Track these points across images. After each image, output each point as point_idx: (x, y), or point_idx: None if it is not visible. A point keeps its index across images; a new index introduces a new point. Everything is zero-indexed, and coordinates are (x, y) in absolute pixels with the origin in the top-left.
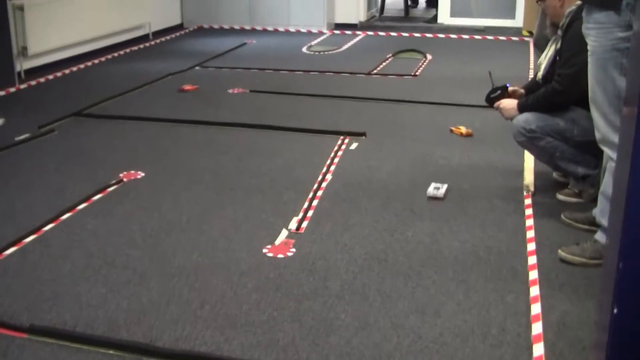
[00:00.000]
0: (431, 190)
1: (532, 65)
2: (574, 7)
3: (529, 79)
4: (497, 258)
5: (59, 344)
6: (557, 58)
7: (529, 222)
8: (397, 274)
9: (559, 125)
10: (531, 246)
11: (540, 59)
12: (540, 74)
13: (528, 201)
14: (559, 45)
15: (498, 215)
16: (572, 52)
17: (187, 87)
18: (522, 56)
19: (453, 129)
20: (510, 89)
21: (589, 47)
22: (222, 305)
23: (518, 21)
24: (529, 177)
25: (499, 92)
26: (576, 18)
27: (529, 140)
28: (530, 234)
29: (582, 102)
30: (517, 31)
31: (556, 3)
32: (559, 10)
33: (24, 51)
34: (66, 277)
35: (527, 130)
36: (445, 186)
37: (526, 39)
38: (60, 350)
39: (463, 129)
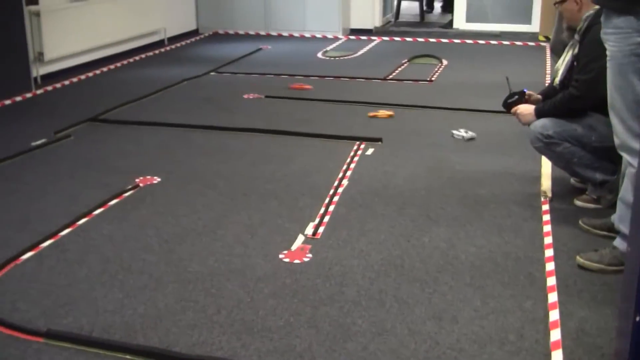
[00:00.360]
0: (459, 132)
1: (548, 71)
2: (591, 12)
3: (546, 85)
4: (515, 264)
5: (75, 348)
6: (575, 63)
7: (547, 228)
8: (413, 280)
9: (577, 131)
10: (549, 252)
11: (557, 64)
12: (557, 80)
13: (545, 207)
14: (576, 50)
15: (515, 221)
16: (590, 57)
17: (297, 85)
18: (538, 61)
19: (371, 114)
20: (527, 94)
21: (607, 53)
22: (239, 311)
23: (534, 26)
24: (546, 183)
25: (516, 97)
26: (594, 23)
27: (547, 145)
28: (548, 240)
29: (600, 107)
30: (533, 36)
31: (574, 7)
32: (576, 15)
33: (40, 57)
34: (83, 282)
35: (544, 135)
36: (472, 133)
37: (542, 44)
38: (77, 355)
39: (382, 112)
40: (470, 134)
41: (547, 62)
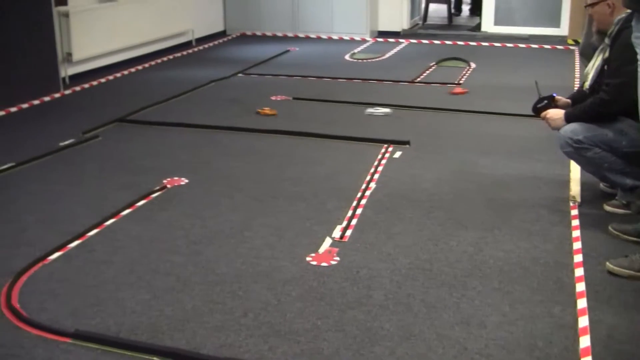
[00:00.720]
0: (374, 110)
1: (577, 75)
2: (623, 15)
3: (574, 89)
4: (543, 269)
5: (102, 349)
6: (605, 67)
7: (576, 233)
8: (441, 284)
9: (607, 136)
10: (578, 258)
11: (587, 68)
12: (587, 84)
13: (574, 212)
14: (606, 54)
15: (544, 225)
16: (621, 61)
17: (458, 90)
18: (567, 65)
19: (259, 110)
20: (556, 98)
21: (638, 57)
22: (266, 314)
23: (563, 29)
24: (575, 188)
25: (545, 102)
26: (625, 27)
27: (576, 150)
28: (577, 245)
29: (631, 112)
30: (562, 40)
31: (605, 10)
32: (607, 18)
33: (68, 57)
34: (110, 283)
35: (574, 140)
36: (386, 110)
37: (571, 47)
38: (104, 356)
39: (267, 110)
40: (385, 110)
41: (575, 66)
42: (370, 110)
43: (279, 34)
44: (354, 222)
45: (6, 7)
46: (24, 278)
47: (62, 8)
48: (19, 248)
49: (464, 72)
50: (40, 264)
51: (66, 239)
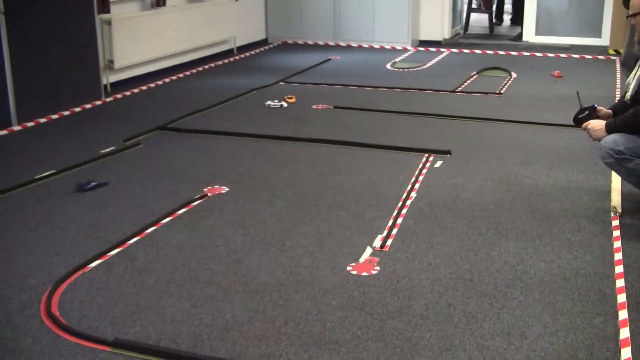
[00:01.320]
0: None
1: (618, 85)
2: None
3: (616, 99)
4: (584, 280)
5: (142, 358)
6: None
7: (617, 244)
8: (482, 295)
9: None
10: (619, 269)
11: (628, 79)
12: (628, 94)
13: (615, 222)
14: None
15: (585, 236)
16: None
17: (556, 73)
18: (608, 75)
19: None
20: (597, 109)
21: None
22: (306, 323)
23: (604, 40)
24: (616, 198)
25: (586, 112)
26: None
27: (617, 161)
28: (618, 256)
29: None
30: (603, 50)
31: None
32: None
33: (110, 64)
34: (150, 291)
35: (615, 151)
36: (282, 103)
37: (612, 57)
38: None
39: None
40: (280, 103)
41: (617, 76)
42: (269, 102)
43: (321, 43)
44: (394, 231)
45: (49, 15)
46: (64, 286)
47: (104, 16)
48: (60, 255)
49: (506, 82)
50: (80, 272)
51: (107, 247)
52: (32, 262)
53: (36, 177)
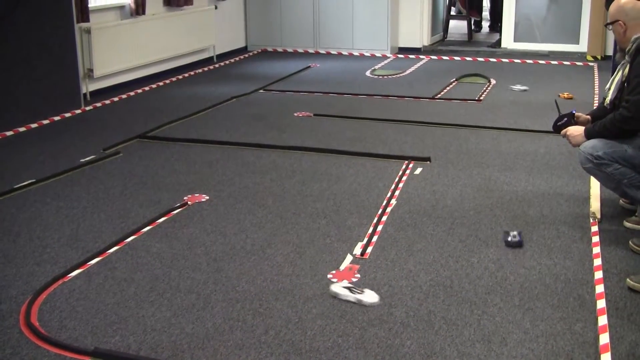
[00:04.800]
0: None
1: (597, 91)
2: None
3: (594, 104)
4: (564, 286)
5: None
6: (625, 84)
7: (596, 249)
8: (462, 301)
9: (627, 152)
10: (598, 274)
11: (607, 85)
12: (607, 100)
13: (595, 228)
14: (626, 71)
15: (564, 242)
16: None
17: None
18: (586, 81)
19: None
20: (576, 115)
21: None
22: (287, 331)
23: (582, 46)
24: (595, 204)
25: (565, 119)
26: None
27: (596, 166)
28: (598, 261)
29: None
30: (581, 56)
31: (619, 29)
32: (622, 37)
33: (89, 73)
34: (131, 300)
35: (594, 156)
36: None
37: (590, 63)
38: None
39: None
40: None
41: (595, 82)
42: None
43: (300, 50)
44: (374, 239)
45: (28, 23)
46: (43, 296)
47: (84, 24)
48: (39, 265)
49: (485, 89)
50: (60, 282)
51: (87, 256)
52: (11, 272)
53: (15, 186)
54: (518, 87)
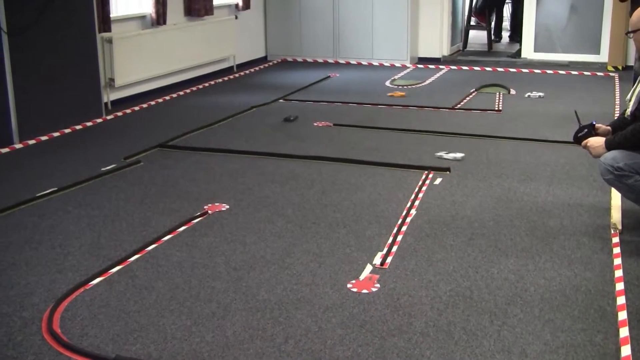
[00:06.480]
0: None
1: (617, 101)
2: None
3: (615, 115)
4: (585, 297)
5: None
6: None
7: (617, 261)
8: (482, 312)
9: None
10: (619, 286)
11: (628, 95)
12: (628, 111)
13: (615, 239)
14: None
15: (585, 253)
16: None
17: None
18: (607, 92)
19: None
20: (596, 126)
21: None
22: (307, 341)
23: (603, 56)
24: (616, 215)
25: (585, 130)
26: None
27: (617, 178)
28: (619, 273)
29: None
30: (601, 66)
31: None
32: None
33: (111, 83)
34: (151, 309)
35: (614, 168)
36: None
37: (611, 74)
38: None
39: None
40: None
41: (616, 93)
42: (440, 153)
43: (320, 60)
44: (394, 249)
45: (51, 33)
46: (65, 303)
47: (106, 34)
48: (61, 273)
49: (505, 99)
50: (82, 289)
51: (108, 264)
52: (33, 279)
53: (38, 194)
54: (534, 94)
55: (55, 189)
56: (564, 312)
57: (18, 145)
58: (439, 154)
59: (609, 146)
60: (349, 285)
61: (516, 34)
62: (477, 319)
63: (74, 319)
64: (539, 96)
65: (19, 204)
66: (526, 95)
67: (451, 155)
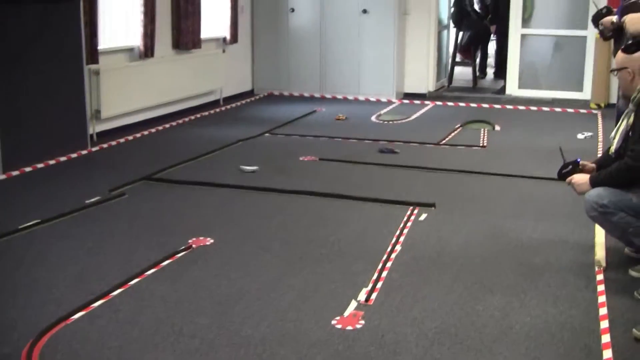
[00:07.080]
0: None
1: (601, 138)
2: None
3: (598, 152)
4: (570, 335)
5: None
6: (630, 133)
7: (602, 298)
8: (468, 350)
9: (632, 201)
10: (604, 324)
11: (612, 133)
12: (612, 148)
13: (600, 277)
14: (631, 119)
15: (570, 290)
16: None
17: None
18: (590, 129)
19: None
20: (581, 163)
21: None
22: None
23: (586, 94)
24: (600, 252)
25: (570, 167)
26: None
27: (602, 215)
28: (603, 311)
29: None
30: (584, 104)
31: (627, 77)
32: (629, 85)
33: (97, 114)
34: (134, 344)
35: (599, 205)
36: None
37: (594, 111)
38: None
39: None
40: (252, 168)
41: (599, 130)
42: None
43: (306, 95)
44: (379, 285)
45: (38, 64)
46: (45, 338)
47: (93, 66)
48: (43, 306)
49: (490, 135)
50: (63, 324)
51: (91, 298)
52: (14, 314)
53: (20, 226)
54: (587, 134)
55: (39, 220)
56: (549, 350)
57: (2, 177)
58: (241, 167)
59: (594, 183)
60: (333, 322)
61: (501, 70)
62: (463, 357)
63: (54, 354)
64: (589, 136)
65: (1, 235)
66: (578, 137)
67: (249, 168)
